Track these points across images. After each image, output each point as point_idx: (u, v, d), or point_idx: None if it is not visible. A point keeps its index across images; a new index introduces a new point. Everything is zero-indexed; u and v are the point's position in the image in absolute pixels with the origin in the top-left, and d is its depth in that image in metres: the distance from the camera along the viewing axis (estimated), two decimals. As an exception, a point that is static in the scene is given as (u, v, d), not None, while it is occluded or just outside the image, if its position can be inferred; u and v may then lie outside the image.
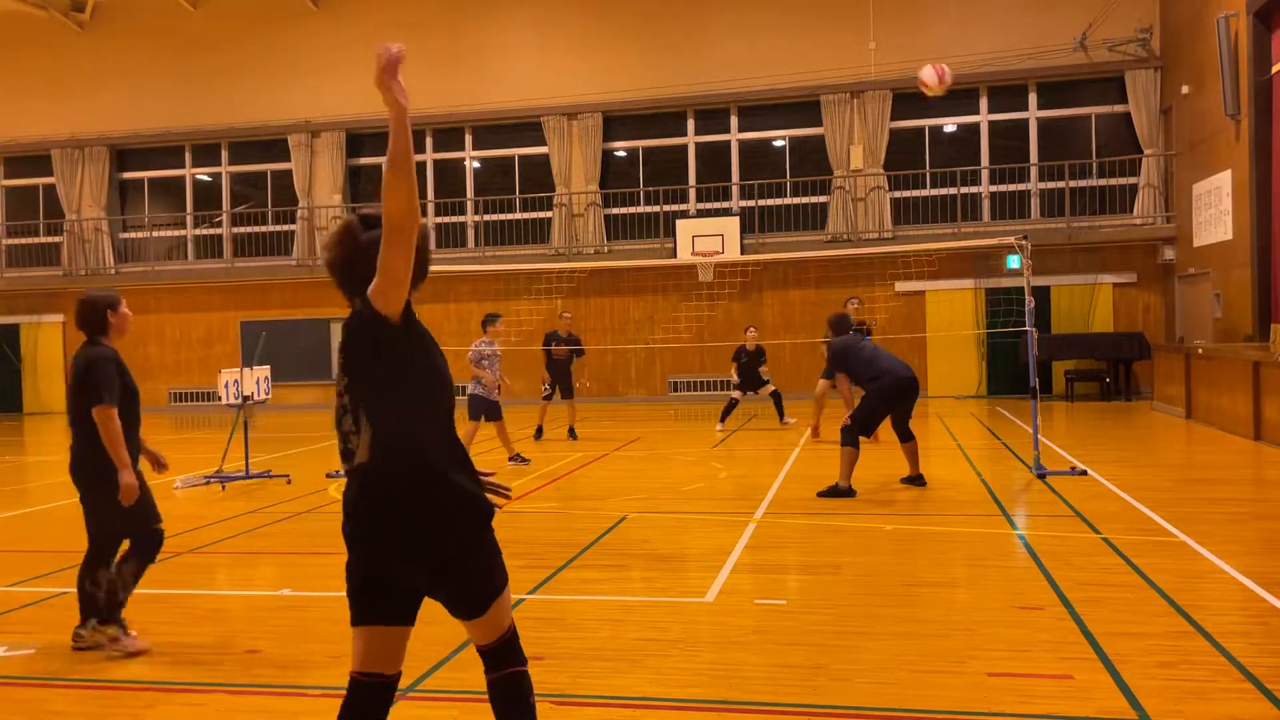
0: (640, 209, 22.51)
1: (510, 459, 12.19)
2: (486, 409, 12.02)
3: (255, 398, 11.60)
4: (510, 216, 23.18)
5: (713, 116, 22.47)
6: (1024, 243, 10.96)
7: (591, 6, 22.60)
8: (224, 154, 24.77)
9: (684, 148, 22.60)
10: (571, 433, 15.11)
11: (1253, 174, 15.84)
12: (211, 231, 24.81)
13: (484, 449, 13.09)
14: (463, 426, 11.07)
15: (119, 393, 5.25)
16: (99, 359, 5.27)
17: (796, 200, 21.88)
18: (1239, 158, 16.37)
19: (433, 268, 3.26)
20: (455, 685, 4.60)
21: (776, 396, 15.77)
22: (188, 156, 24.94)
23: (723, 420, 15.56)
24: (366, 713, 3.06)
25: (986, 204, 21.29)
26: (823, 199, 21.65)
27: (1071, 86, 21.04)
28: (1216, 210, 17.50)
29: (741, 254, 19.96)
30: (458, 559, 3.06)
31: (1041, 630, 5.24)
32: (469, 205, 23.34)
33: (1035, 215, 21.00)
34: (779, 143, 22.35)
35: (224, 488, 11.05)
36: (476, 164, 23.67)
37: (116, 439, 5.17)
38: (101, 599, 5.27)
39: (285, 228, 24.13)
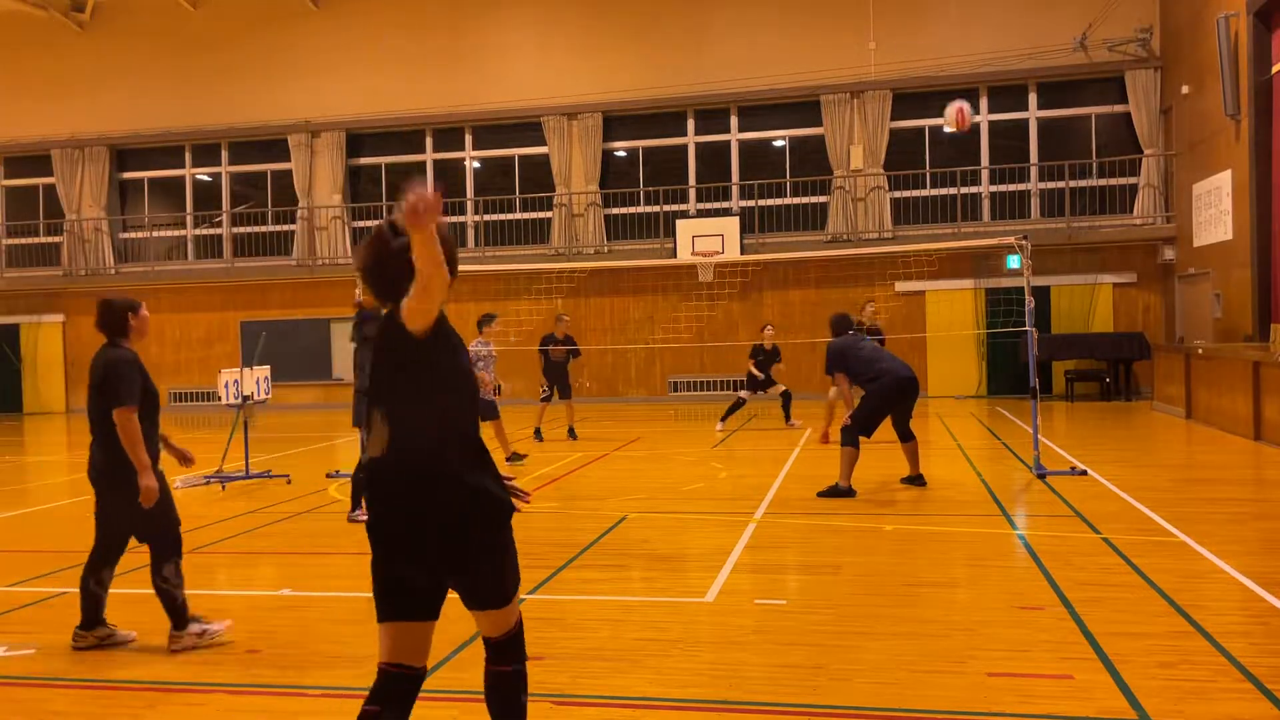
0: (640, 209, 22.51)
1: (508, 458, 12.22)
2: (483, 409, 12.03)
3: (255, 398, 11.61)
4: (510, 216, 23.18)
5: (713, 116, 22.47)
6: (1024, 243, 10.96)
7: (591, 6, 22.60)
8: (224, 154, 24.77)
9: (684, 148, 22.60)
10: (571, 433, 15.11)
11: (1253, 174, 15.84)
12: (211, 231, 24.81)
13: (484, 449, 13.08)
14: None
15: (139, 395, 5.29)
16: (119, 361, 5.32)
17: (796, 200, 21.88)
18: (1239, 158, 16.37)
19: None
20: (455, 685, 4.60)
21: (786, 397, 15.75)
22: (188, 156, 24.94)
23: (724, 419, 15.56)
24: (394, 701, 3.15)
25: (986, 204, 21.29)
26: (823, 199, 21.65)
27: (1071, 86, 21.04)
28: (1216, 210, 17.50)
29: (741, 254, 19.96)
30: (472, 557, 3.12)
31: (1041, 630, 5.24)
32: (469, 205, 23.34)
33: (1035, 215, 20.99)
34: (779, 143, 22.35)
35: (224, 488, 11.05)
36: (476, 164, 23.66)
37: (136, 441, 5.21)
38: (176, 605, 5.31)
39: (285, 228, 24.12)
